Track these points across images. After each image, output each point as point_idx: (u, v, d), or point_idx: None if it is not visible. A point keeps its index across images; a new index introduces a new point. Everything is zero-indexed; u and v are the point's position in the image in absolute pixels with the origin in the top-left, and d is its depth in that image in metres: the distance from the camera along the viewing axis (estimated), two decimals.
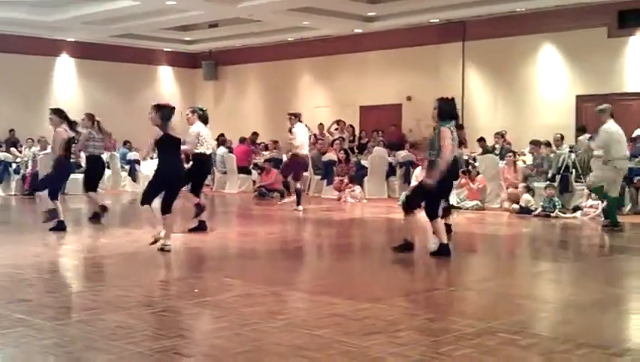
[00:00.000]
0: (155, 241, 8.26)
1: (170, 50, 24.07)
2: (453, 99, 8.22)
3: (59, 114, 10.27)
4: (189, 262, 8.16)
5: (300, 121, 13.60)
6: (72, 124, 10.38)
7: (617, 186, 11.05)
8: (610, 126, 10.63)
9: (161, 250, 8.17)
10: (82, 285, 6.83)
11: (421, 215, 8.25)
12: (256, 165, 18.50)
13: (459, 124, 8.81)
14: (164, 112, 8.28)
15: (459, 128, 8.57)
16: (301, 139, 13.43)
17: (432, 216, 7.97)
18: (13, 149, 18.26)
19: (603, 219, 11.24)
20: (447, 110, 8.07)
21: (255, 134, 20.63)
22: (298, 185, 13.66)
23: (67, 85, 22.18)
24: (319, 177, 17.43)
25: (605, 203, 11.10)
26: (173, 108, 8.49)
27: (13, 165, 17.54)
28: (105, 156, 18.78)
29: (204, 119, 10.36)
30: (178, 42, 23.30)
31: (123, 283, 6.68)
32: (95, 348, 4.38)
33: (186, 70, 24.88)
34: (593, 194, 12.07)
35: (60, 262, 8.20)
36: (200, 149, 10.05)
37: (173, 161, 8.41)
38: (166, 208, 8.34)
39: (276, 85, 22.79)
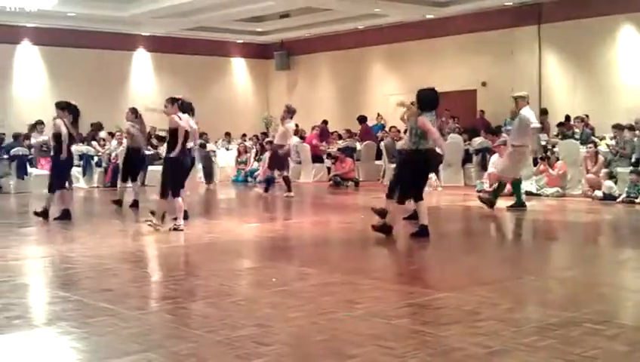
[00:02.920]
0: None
1: (242, 41, 24.32)
2: (433, 89, 8.16)
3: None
4: (265, 251, 8.23)
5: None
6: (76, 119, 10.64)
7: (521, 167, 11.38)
8: (526, 112, 10.85)
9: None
10: (162, 275, 6.98)
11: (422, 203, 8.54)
12: (329, 154, 18.50)
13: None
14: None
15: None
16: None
17: (416, 197, 8.51)
18: (94, 143, 18.80)
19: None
20: (428, 101, 8.07)
21: (325, 122, 20.55)
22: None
23: (144, 79, 22.71)
24: (394, 165, 17.28)
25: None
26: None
27: (95, 158, 18.10)
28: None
29: (185, 109, 9.68)
30: (250, 33, 23.51)
31: (202, 273, 6.80)
32: (176, 336, 4.47)
33: (259, 61, 25.09)
34: None
35: (140, 253, 8.40)
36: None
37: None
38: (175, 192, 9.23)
39: (348, 74, 22.75)
